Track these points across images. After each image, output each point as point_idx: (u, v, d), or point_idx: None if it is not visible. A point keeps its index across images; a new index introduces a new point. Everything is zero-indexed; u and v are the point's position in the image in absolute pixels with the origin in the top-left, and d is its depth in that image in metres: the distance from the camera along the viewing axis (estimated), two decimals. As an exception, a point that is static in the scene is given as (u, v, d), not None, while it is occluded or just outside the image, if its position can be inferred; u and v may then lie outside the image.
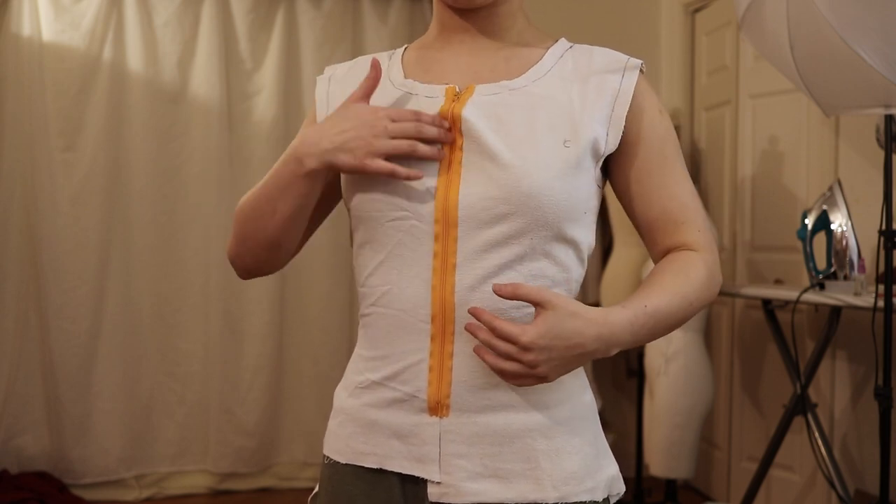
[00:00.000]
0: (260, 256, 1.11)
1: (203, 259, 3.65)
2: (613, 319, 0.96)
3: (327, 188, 1.12)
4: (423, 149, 1.00)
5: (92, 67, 3.52)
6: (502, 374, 0.94)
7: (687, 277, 1.03)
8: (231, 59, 3.68)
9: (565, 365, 0.95)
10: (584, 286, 3.69)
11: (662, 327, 1.01)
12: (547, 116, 1.02)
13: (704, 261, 1.05)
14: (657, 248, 1.08)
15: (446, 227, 0.99)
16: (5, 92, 3.47)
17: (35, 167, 3.46)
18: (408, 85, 1.08)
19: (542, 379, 0.95)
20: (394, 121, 1.00)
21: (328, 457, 1.09)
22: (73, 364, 3.49)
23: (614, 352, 0.98)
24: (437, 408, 1.00)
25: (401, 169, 0.99)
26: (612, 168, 1.08)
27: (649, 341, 1.03)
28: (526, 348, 0.92)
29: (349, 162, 1.00)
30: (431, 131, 1.00)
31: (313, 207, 1.09)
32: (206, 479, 3.67)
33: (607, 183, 1.10)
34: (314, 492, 1.12)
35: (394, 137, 0.99)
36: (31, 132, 3.46)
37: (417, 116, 1.00)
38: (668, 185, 1.06)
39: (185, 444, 3.66)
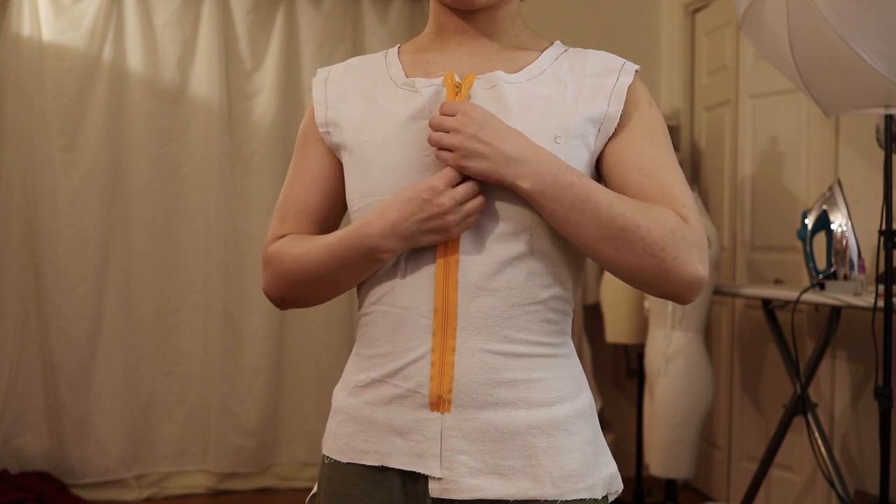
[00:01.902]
0: (309, 304, 1.14)
1: (203, 259, 3.64)
2: (544, 152, 0.98)
3: (339, 198, 1.13)
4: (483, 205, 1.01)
5: (92, 67, 3.52)
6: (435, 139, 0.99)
7: (647, 207, 0.98)
8: (231, 59, 3.68)
9: (482, 145, 0.97)
10: (584, 286, 3.69)
11: (590, 217, 0.96)
12: (538, 114, 1.02)
13: (682, 219, 0.98)
14: None
15: None
16: (5, 92, 3.46)
17: (35, 167, 3.46)
18: (409, 83, 1.08)
19: (454, 143, 0.97)
20: (454, 186, 0.99)
21: (328, 456, 1.09)
22: (73, 364, 3.49)
23: (528, 184, 0.96)
24: (438, 403, 1.00)
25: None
26: (599, 160, 1.07)
27: (569, 223, 0.97)
28: (461, 111, 0.98)
29: (434, 241, 1.00)
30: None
31: (334, 217, 1.15)
32: (206, 479, 3.67)
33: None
34: (312, 492, 1.13)
35: (462, 202, 0.99)
36: (31, 132, 3.46)
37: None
38: (647, 166, 1.02)
39: (185, 444, 3.66)
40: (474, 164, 0.97)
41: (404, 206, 0.99)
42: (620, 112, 1.04)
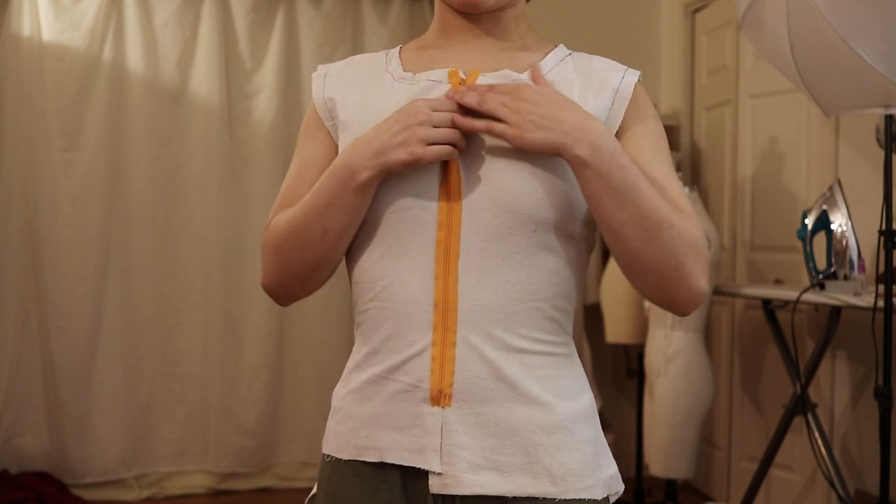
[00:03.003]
0: (308, 280, 1.07)
1: (203, 259, 3.65)
2: (602, 125, 0.98)
3: None
4: (461, 143, 1.00)
5: (92, 67, 3.52)
6: (483, 103, 0.98)
7: (679, 212, 0.99)
8: (231, 59, 3.68)
9: (541, 115, 0.96)
10: (584, 286, 3.69)
11: (634, 203, 0.95)
12: None
13: (701, 234, 1.00)
14: None
15: (450, 215, 1.00)
16: (5, 92, 3.46)
17: (35, 167, 3.46)
18: (408, 76, 1.08)
19: (516, 122, 0.96)
20: (434, 110, 0.99)
21: (328, 455, 1.08)
22: (73, 364, 3.49)
23: (586, 152, 0.95)
24: (438, 397, 1.00)
25: (456, 148, 0.99)
26: None
27: (611, 204, 0.96)
28: (519, 93, 0.98)
29: (403, 158, 0.97)
30: (464, 123, 0.99)
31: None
32: (206, 479, 3.67)
33: None
34: (312, 493, 1.12)
35: (437, 126, 0.98)
36: (31, 132, 3.46)
37: (454, 105, 0.99)
38: (658, 180, 1.03)
39: (185, 444, 3.66)
40: (532, 136, 0.96)
41: (386, 121, 1.00)
42: (624, 110, 1.04)
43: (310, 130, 1.14)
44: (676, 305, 1.01)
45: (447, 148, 0.98)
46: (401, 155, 0.97)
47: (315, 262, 1.05)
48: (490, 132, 0.98)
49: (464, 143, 1.00)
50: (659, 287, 1.00)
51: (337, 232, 1.02)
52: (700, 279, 0.99)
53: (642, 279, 1.00)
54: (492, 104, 0.98)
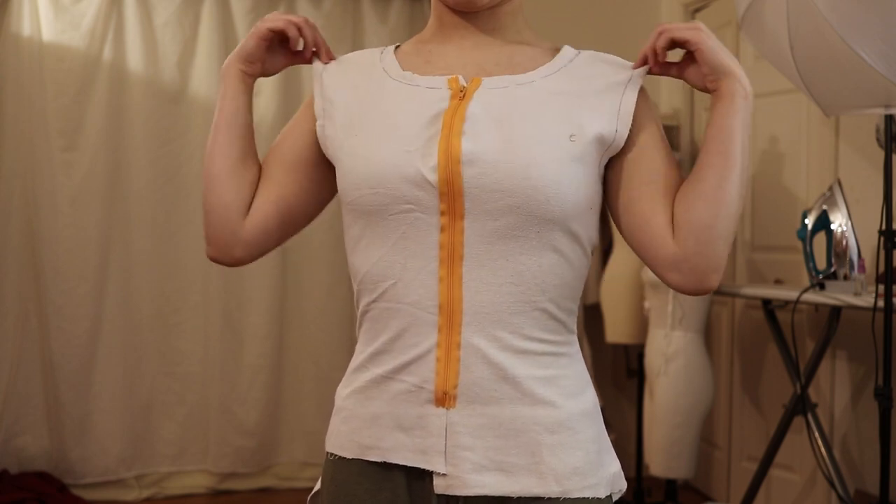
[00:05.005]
0: (218, 227, 1.24)
1: (203, 259, 3.63)
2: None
3: (313, 181, 1.13)
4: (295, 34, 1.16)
5: (92, 67, 3.52)
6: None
7: None
8: (231, 59, 3.68)
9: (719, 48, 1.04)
10: (584, 285, 3.69)
11: (747, 146, 1.03)
12: (553, 111, 1.02)
13: None
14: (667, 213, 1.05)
15: (452, 218, 0.99)
16: (5, 92, 3.46)
17: (35, 167, 3.46)
18: (407, 77, 1.08)
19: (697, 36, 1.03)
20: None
21: (332, 453, 1.09)
22: (73, 364, 3.49)
23: (741, 102, 1.03)
24: (443, 398, 1.00)
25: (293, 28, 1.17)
26: (614, 169, 1.07)
27: (736, 142, 1.01)
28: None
29: (252, 35, 1.16)
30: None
31: (248, 138, 1.19)
32: (206, 479, 3.67)
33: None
34: (315, 490, 1.12)
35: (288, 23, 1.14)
36: (31, 132, 3.46)
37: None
38: (660, 178, 1.07)
39: (185, 444, 3.66)
40: (714, 43, 1.04)
41: None
42: (627, 134, 1.04)
43: (303, 112, 1.18)
44: (708, 280, 1.02)
45: (260, 27, 1.16)
46: (250, 38, 1.15)
47: (217, 203, 1.24)
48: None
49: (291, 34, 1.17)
50: (710, 256, 1.01)
51: (219, 137, 1.20)
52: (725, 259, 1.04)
53: (696, 237, 1.01)
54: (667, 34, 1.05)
